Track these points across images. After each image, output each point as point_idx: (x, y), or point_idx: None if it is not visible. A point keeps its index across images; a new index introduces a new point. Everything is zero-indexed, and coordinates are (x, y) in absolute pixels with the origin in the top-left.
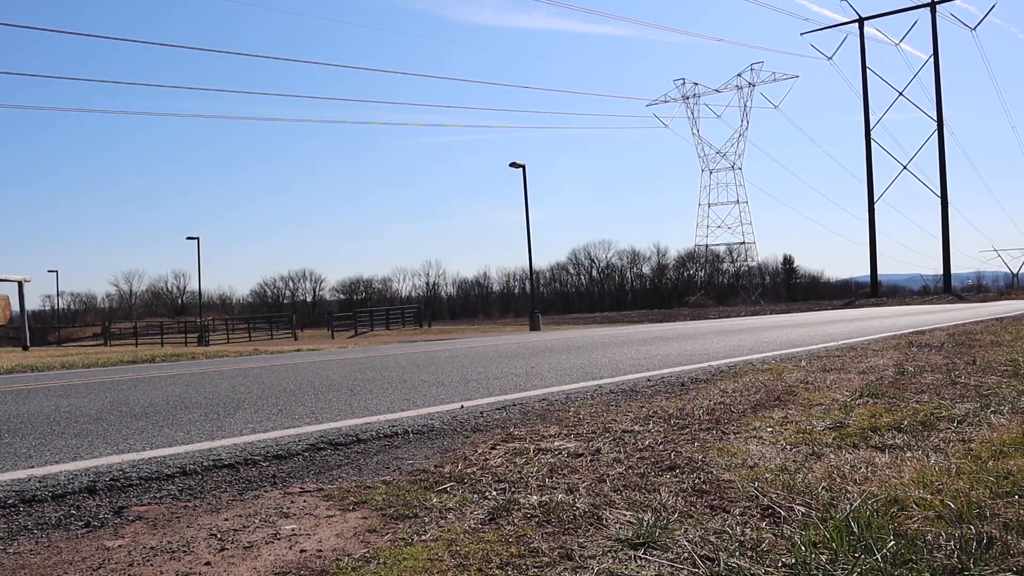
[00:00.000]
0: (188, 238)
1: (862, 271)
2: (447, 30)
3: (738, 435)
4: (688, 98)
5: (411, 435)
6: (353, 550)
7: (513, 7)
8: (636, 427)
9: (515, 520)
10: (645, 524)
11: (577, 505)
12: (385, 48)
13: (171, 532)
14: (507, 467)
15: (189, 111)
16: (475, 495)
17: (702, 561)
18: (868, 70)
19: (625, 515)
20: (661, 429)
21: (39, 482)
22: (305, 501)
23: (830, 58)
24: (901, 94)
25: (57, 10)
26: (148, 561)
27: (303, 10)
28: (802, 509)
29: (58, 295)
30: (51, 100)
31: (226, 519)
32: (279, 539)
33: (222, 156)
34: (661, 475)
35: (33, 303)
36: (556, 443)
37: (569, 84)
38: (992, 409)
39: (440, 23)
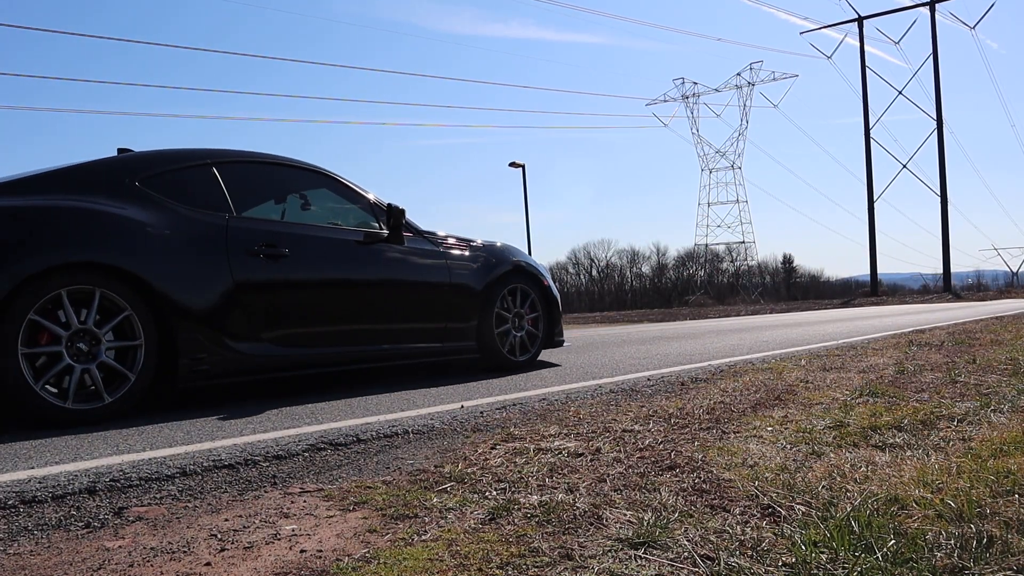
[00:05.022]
0: None
1: (862, 270)
2: (446, 36)
3: (738, 434)
4: (687, 97)
5: (411, 435)
6: (353, 550)
7: (512, 16)
8: (636, 426)
9: (515, 520)
10: (645, 523)
11: (577, 505)
12: (384, 52)
13: (171, 532)
14: (507, 467)
15: (189, 112)
16: (475, 495)
17: (702, 560)
18: (868, 69)
19: (625, 515)
20: (661, 428)
21: (39, 483)
22: (305, 501)
23: (829, 57)
24: (900, 93)
25: (57, 12)
26: (148, 562)
27: (299, 9)
28: (802, 508)
29: None
30: (52, 102)
31: (226, 519)
32: (279, 539)
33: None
34: (661, 474)
35: None
36: (556, 443)
37: (569, 85)
38: (992, 408)
39: (439, 32)
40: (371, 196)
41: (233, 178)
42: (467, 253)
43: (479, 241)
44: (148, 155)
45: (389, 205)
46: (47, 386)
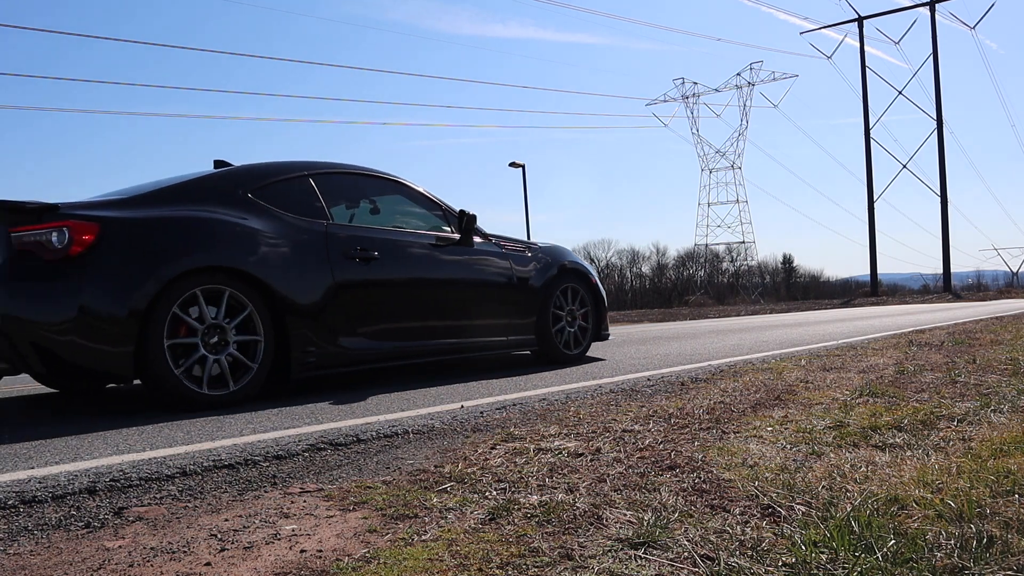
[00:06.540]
0: None
1: (862, 270)
2: (446, 37)
3: (738, 434)
4: (687, 97)
5: (411, 435)
6: (353, 550)
7: (512, 16)
8: (636, 426)
9: (515, 520)
10: (645, 523)
11: (577, 505)
12: (384, 53)
13: (171, 532)
14: (507, 467)
15: (179, 110)
16: (475, 495)
17: (702, 560)
18: (868, 69)
19: (625, 514)
20: (661, 428)
21: (39, 483)
22: (305, 501)
23: (829, 57)
24: (900, 93)
25: (52, 9)
26: (148, 562)
27: (299, 10)
28: (802, 508)
29: None
30: (42, 100)
31: (226, 519)
32: (279, 539)
33: (218, 155)
34: (661, 474)
35: None
36: (556, 443)
37: (569, 85)
38: (992, 408)
39: (439, 32)
40: (442, 202)
41: (326, 187)
42: (528, 255)
43: (536, 243)
44: (254, 168)
45: (461, 211)
46: (185, 373)
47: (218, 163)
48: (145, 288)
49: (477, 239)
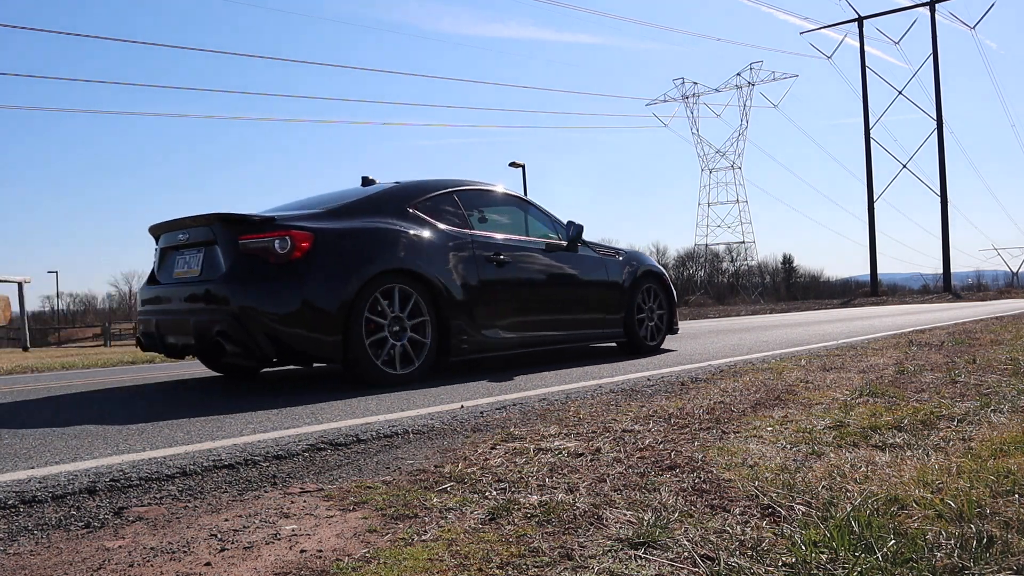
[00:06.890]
0: None
1: (862, 270)
2: (446, 37)
3: (738, 434)
4: (687, 97)
5: (411, 435)
6: (353, 550)
7: (511, 16)
8: (636, 426)
9: (515, 520)
10: (645, 523)
11: (577, 505)
12: (384, 53)
13: (171, 532)
14: (507, 467)
15: (186, 111)
16: (475, 495)
17: (702, 560)
18: (868, 69)
19: (625, 514)
20: (661, 428)
21: (39, 483)
22: (305, 501)
23: (829, 57)
24: (900, 93)
25: (55, 10)
26: (148, 562)
27: (300, 9)
28: (802, 508)
29: (58, 296)
30: (50, 100)
31: (226, 519)
32: (279, 539)
33: (219, 156)
34: (661, 474)
35: (33, 304)
36: (556, 443)
37: (569, 85)
38: (992, 408)
39: (439, 32)
40: (550, 213)
41: (465, 201)
42: (619, 259)
43: (623, 249)
44: (414, 186)
45: (570, 222)
46: (375, 356)
47: (365, 179)
48: (349, 286)
49: (579, 245)
